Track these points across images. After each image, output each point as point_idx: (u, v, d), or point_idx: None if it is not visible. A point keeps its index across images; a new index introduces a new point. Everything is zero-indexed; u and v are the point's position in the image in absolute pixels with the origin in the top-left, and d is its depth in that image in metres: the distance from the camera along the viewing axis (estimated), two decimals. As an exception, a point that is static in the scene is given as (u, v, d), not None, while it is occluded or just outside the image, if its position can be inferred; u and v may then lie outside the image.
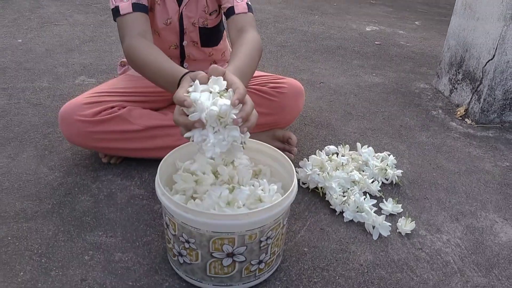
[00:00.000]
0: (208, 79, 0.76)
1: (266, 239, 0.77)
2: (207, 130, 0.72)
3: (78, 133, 1.04)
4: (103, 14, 2.32)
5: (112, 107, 1.07)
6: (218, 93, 0.73)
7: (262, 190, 0.81)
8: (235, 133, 0.72)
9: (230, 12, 1.07)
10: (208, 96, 0.72)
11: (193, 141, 0.74)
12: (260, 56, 1.02)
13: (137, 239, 0.92)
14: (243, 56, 0.92)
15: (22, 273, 0.82)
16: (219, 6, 1.15)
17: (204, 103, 0.70)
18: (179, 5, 1.12)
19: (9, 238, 0.91)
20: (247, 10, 1.07)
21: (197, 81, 0.74)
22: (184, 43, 1.18)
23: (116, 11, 1.01)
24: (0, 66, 1.69)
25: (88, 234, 0.93)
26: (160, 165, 0.82)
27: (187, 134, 0.74)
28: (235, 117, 0.70)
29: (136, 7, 1.01)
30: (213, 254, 0.75)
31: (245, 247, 0.75)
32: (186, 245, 0.76)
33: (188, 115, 0.72)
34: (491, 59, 1.40)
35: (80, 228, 0.94)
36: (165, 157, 0.86)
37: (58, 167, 1.15)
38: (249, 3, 1.10)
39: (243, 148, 0.77)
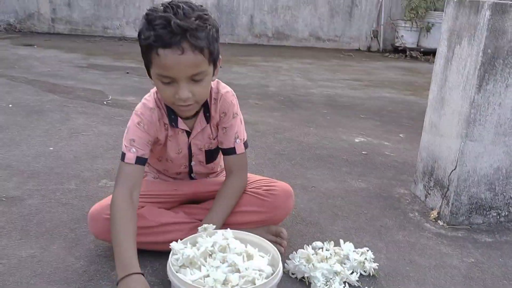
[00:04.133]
0: None
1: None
2: None
3: (105, 229, 1.25)
4: (124, 126, 2.63)
5: (132, 207, 1.30)
6: None
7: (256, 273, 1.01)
8: None
9: (230, 151, 1.36)
10: None
11: None
12: (240, 196, 1.37)
13: (149, 317, 1.10)
14: (220, 211, 1.31)
15: None
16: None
17: None
18: (188, 136, 1.37)
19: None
20: (243, 151, 1.37)
21: None
22: (192, 163, 1.45)
23: (122, 156, 1.27)
24: (35, 170, 1.96)
25: (109, 312, 1.11)
26: (171, 253, 1.04)
27: None
28: None
29: (139, 160, 1.26)
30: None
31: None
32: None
33: None
34: (454, 169, 1.65)
35: (102, 307, 1.12)
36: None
37: (83, 257, 1.35)
38: (246, 138, 1.38)
39: None
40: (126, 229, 1.16)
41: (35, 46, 5.49)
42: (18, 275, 1.26)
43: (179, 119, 1.33)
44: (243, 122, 1.40)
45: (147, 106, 1.31)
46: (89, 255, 1.36)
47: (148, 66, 1.20)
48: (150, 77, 1.23)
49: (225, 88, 1.37)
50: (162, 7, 1.13)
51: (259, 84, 4.19)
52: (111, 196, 1.34)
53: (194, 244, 1.14)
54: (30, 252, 1.37)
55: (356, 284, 1.29)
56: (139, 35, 1.17)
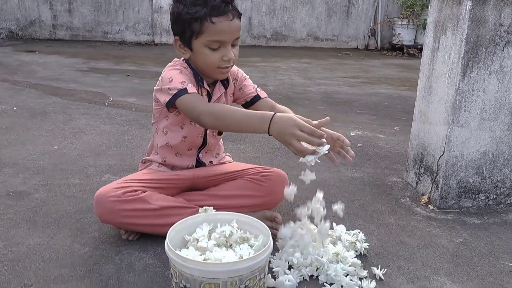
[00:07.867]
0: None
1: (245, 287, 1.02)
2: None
3: (109, 211, 1.33)
4: (125, 125, 2.73)
5: (136, 191, 1.37)
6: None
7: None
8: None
9: (256, 98, 1.52)
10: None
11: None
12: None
13: (151, 293, 1.17)
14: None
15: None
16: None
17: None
18: (209, 100, 1.48)
19: (52, 292, 1.16)
20: (267, 96, 1.55)
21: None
22: (207, 131, 1.53)
23: (183, 91, 1.32)
24: (40, 167, 2.03)
25: (113, 290, 1.18)
26: (169, 231, 1.11)
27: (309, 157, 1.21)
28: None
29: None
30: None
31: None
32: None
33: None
34: (442, 155, 1.72)
35: None
36: (173, 225, 1.15)
37: (88, 243, 1.43)
38: None
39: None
40: (231, 106, 1.33)
41: (37, 52, 5.59)
42: (27, 261, 1.33)
43: (204, 81, 1.46)
44: None
45: (179, 64, 1.45)
46: (94, 242, 1.43)
47: (191, 38, 1.36)
48: (191, 49, 1.38)
49: None
50: None
51: (258, 83, 4.20)
52: (114, 181, 1.41)
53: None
54: (38, 240, 1.44)
55: (347, 263, 1.35)
56: (179, 14, 1.34)
